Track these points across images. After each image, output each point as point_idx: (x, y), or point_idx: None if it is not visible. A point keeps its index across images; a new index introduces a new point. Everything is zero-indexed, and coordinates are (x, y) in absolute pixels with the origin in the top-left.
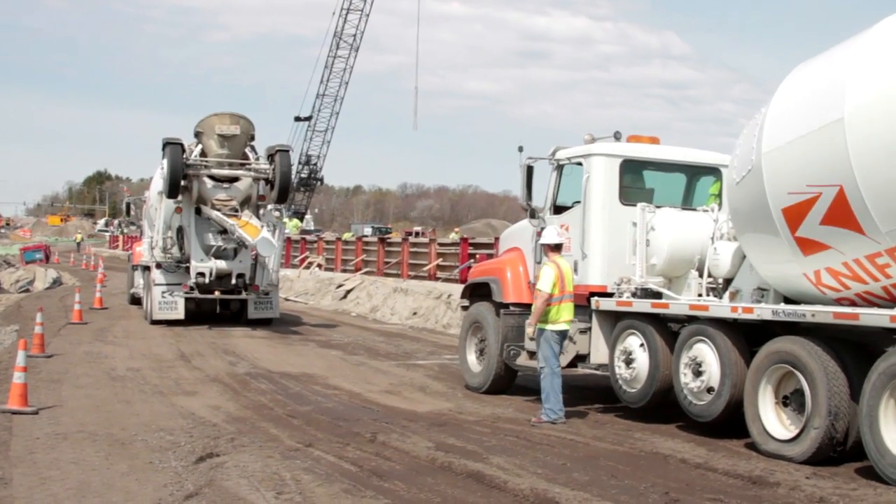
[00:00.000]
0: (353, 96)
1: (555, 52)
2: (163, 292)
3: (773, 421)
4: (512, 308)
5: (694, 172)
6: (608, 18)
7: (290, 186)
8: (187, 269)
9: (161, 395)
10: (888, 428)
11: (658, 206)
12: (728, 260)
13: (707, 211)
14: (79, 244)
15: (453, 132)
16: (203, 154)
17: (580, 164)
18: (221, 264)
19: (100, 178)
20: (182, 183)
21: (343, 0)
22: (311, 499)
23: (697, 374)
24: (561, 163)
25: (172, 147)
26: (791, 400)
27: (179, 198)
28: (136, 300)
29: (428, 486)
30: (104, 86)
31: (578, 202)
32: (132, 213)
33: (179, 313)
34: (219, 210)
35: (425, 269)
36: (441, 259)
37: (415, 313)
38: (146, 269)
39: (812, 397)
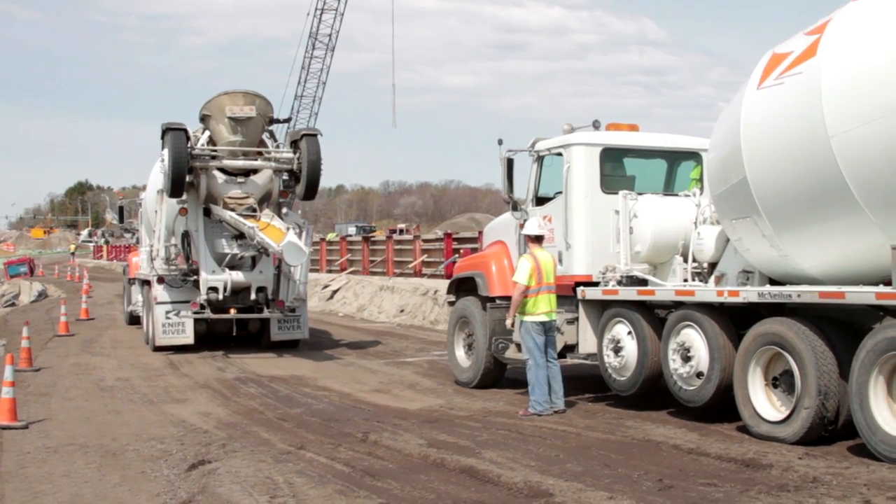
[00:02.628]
0: (331, 96)
1: (531, 43)
2: (167, 312)
3: (764, 403)
4: (498, 301)
5: (674, 158)
6: (583, 7)
7: (319, 179)
8: (196, 283)
9: (151, 403)
10: (878, 405)
11: (640, 193)
12: (712, 244)
13: (689, 196)
14: (73, 253)
15: (433, 127)
16: (211, 142)
17: (560, 154)
18: (238, 276)
19: (81, 189)
20: (187, 178)
21: (317, 0)
22: (305, 501)
23: (686, 359)
24: (541, 154)
25: (174, 134)
26: (781, 381)
27: (184, 196)
28: (135, 319)
29: (421, 483)
30: (82, 96)
31: (560, 192)
32: (125, 218)
33: (188, 337)
34: (233, 210)
35: (410, 266)
36: (426, 255)
37: (402, 311)
38: (146, 283)
39: (801, 378)
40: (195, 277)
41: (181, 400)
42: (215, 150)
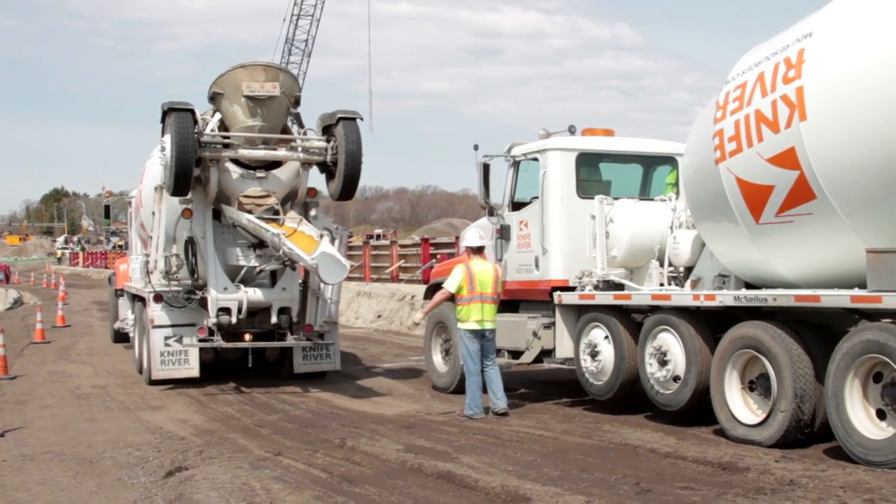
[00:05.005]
0: (307, 102)
1: (507, 48)
2: (166, 338)
3: (741, 406)
4: None
5: (650, 163)
6: (559, 12)
7: (359, 175)
8: (202, 301)
9: (127, 411)
10: (854, 408)
11: (616, 198)
12: (688, 248)
13: (665, 200)
14: (59, 259)
15: (410, 133)
16: (223, 127)
17: (536, 159)
18: (255, 295)
19: (57, 196)
20: (194, 172)
21: (293, 6)
22: None
23: (663, 363)
24: (517, 159)
25: (179, 116)
26: (757, 384)
27: (189, 195)
28: (122, 336)
29: (399, 488)
30: (57, 102)
31: (536, 197)
32: (111, 219)
33: (192, 369)
34: (249, 212)
35: (387, 271)
36: (403, 261)
37: (379, 316)
38: (138, 299)
39: (777, 381)
40: (201, 295)
41: (158, 407)
42: (229, 138)
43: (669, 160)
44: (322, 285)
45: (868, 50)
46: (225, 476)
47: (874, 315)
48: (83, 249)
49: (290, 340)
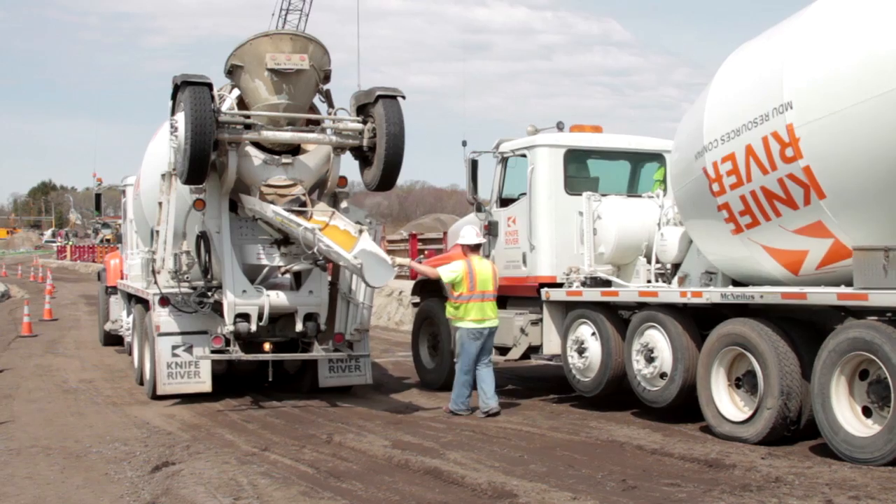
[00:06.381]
0: None
1: (496, 43)
2: (174, 348)
3: (727, 403)
4: None
5: (638, 159)
6: (548, 7)
7: (402, 161)
8: (217, 305)
9: (114, 405)
10: (840, 405)
11: (604, 195)
12: (675, 245)
13: (652, 197)
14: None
15: None
16: (242, 105)
17: (524, 155)
18: (279, 299)
19: (44, 189)
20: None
21: (282, 0)
22: (269, 503)
23: (650, 360)
24: (505, 155)
25: (195, 91)
26: (743, 381)
27: (203, 184)
28: (114, 339)
29: (386, 484)
30: (44, 95)
31: (524, 194)
32: (102, 211)
33: (203, 382)
34: (272, 202)
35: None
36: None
37: None
38: (137, 300)
39: (764, 378)
40: (215, 299)
41: (145, 402)
42: (250, 117)
43: (657, 157)
44: (354, 287)
45: (855, 115)
46: (212, 471)
47: (860, 312)
48: (70, 242)
49: (317, 351)
